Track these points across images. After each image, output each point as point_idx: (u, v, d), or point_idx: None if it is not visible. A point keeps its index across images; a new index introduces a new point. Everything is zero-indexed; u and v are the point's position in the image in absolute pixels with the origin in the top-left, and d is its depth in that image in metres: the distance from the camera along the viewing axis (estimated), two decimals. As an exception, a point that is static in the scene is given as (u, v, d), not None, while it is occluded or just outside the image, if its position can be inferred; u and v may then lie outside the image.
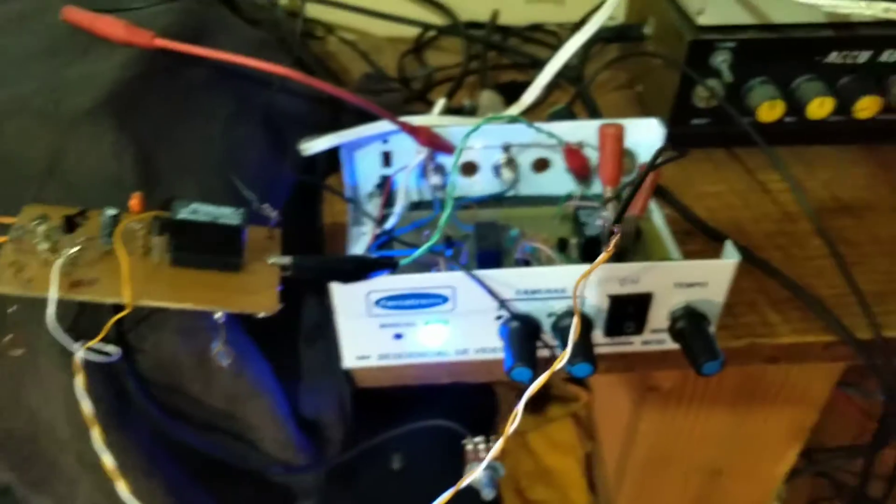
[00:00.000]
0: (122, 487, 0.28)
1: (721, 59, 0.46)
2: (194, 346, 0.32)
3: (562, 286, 0.35)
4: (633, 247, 0.39)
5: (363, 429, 0.43)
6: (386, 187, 0.44)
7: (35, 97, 0.34)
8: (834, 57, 0.46)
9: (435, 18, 0.67)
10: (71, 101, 0.34)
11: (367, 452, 0.43)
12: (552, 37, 0.65)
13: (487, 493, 0.41)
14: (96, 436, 0.28)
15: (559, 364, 0.27)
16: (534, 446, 0.68)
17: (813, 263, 0.43)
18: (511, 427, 0.27)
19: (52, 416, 0.33)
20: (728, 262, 0.34)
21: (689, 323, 0.35)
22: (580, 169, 0.42)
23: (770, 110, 0.47)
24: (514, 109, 0.45)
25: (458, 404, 0.66)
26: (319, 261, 0.33)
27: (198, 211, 0.29)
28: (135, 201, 0.31)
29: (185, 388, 0.34)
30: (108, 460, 0.28)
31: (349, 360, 0.38)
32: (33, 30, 0.40)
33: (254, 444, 0.37)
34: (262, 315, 0.30)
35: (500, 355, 0.38)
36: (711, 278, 0.35)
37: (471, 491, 0.37)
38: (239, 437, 0.37)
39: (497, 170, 0.45)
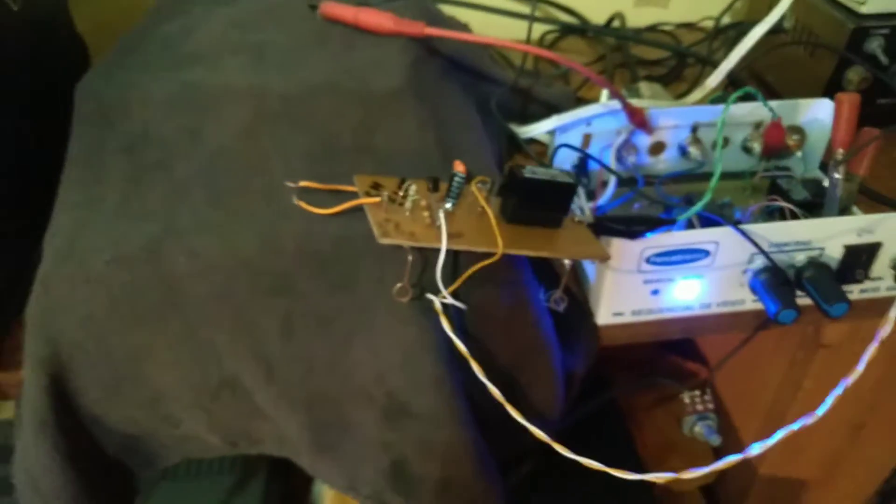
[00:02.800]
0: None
1: (876, 44, 0.51)
2: (511, 299, 0.35)
3: (809, 238, 0.39)
4: (851, 206, 0.43)
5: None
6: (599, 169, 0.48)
7: (340, 79, 0.37)
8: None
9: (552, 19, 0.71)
10: (377, 82, 0.37)
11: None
12: (667, 36, 0.70)
13: (714, 440, 0.45)
14: (476, 369, 0.31)
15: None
16: (659, 422, 0.71)
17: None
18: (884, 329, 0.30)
19: (377, 373, 0.35)
20: (953, 211, 0.39)
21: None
22: (777, 143, 0.47)
23: (918, 91, 0.52)
24: (697, 94, 0.50)
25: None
26: (615, 218, 0.36)
27: (536, 171, 0.33)
28: (462, 167, 0.34)
29: (487, 341, 0.36)
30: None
31: (604, 316, 0.41)
32: (290, 24, 0.43)
33: (522, 398, 0.40)
34: (599, 262, 0.33)
35: (738, 307, 0.42)
36: (935, 228, 0.40)
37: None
38: (511, 392, 0.40)
39: (683, 149, 0.49)
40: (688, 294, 0.41)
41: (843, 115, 0.40)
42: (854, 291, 0.42)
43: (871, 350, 0.32)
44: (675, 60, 0.64)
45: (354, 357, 0.35)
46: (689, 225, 0.41)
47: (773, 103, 0.48)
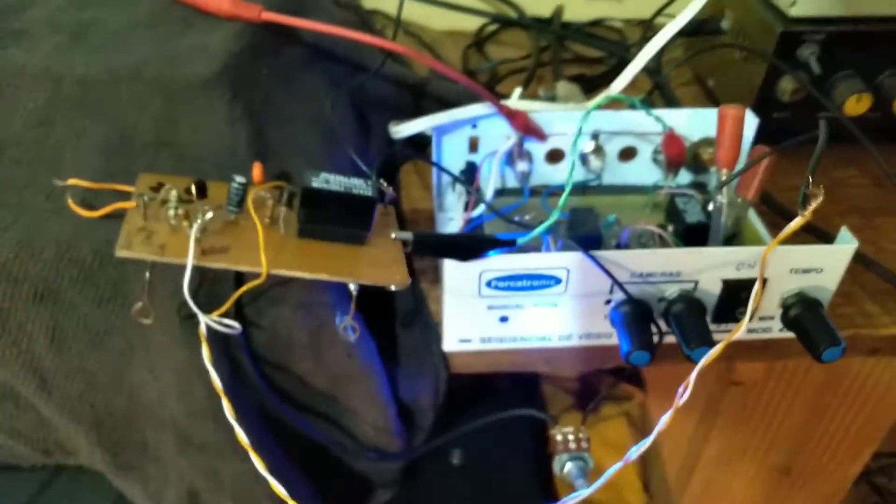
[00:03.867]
0: (256, 462, 0.27)
1: (809, 52, 0.46)
2: (312, 322, 0.31)
3: (678, 269, 0.34)
4: (740, 234, 0.38)
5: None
6: (476, 173, 0.43)
7: (147, 65, 0.33)
8: (923, 51, 0.46)
9: (493, 12, 0.67)
10: (185, 70, 0.33)
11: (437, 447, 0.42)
12: (614, 32, 0.65)
13: (580, 485, 0.40)
14: (228, 409, 0.27)
15: (736, 334, 0.26)
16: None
17: (902, 256, 0.42)
18: (680, 399, 0.26)
19: (158, 394, 0.32)
20: (847, 247, 0.34)
21: (805, 309, 0.35)
22: (676, 156, 0.42)
23: (856, 104, 0.46)
24: (601, 98, 0.45)
25: (509, 400, 0.65)
26: (439, 237, 0.32)
27: (330, 181, 0.29)
28: (257, 171, 0.30)
29: (293, 366, 0.33)
30: (241, 435, 0.27)
31: (450, 342, 0.37)
32: (131, 1, 0.39)
33: (350, 429, 0.36)
34: (394, 288, 0.29)
35: (605, 341, 0.37)
36: (828, 264, 0.34)
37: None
38: (335, 422, 0.36)
39: (584, 158, 0.44)
40: (542, 324, 0.36)
41: (726, 131, 0.35)
42: (740, 331, 0.37)
43: (667, 416, 0.27)
44: (617, 59, 0.59)
45: (137, 376, 0.32)
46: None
47: (683, 112, 0.43)
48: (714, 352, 0.28)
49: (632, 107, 0.40)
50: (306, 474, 0.37)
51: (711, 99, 0.56)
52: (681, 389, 0.27)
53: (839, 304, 0.40)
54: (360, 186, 0.29)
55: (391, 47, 0.36)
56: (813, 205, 0.25)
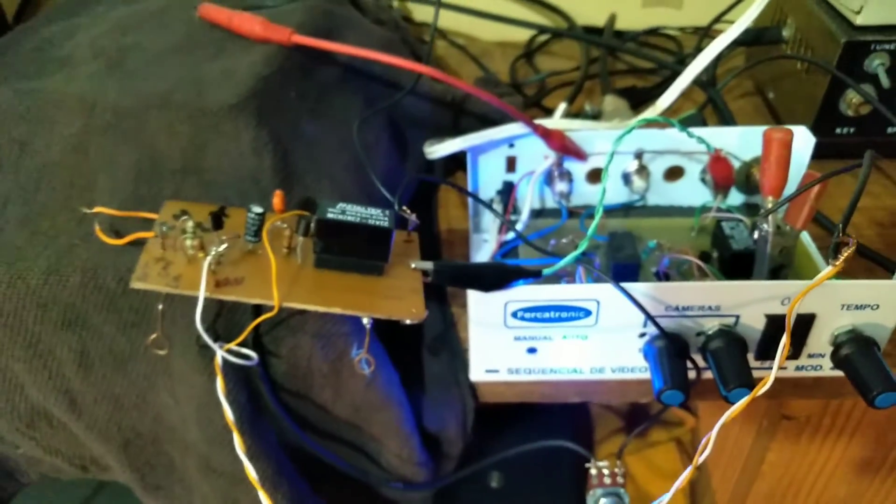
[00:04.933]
0: (262, 496, 0.27)
1: (878, 63, 0.42)
2: (331, 352, 0.31)
3: (717, 303, 0.32)
4: (789, 264, 0.36)
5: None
6: (511, 194, 0.42)
7: (177, 91, 0.34)
8: None
9: (546, 22, 0.65)
10: (212, 96, 0.33)
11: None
12: (671, 41, 0.62)
13: (614, 524, 0.39)
14: (237, 441, 0.27)
15: (763, 388, 0.24)
16: (634, 472, 0.64)
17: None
18: (700, 457, 0.24)
19: (181, 419, 0.32)
20: (906, 283, 0.31)
21: (857, 348, 0.32)
22: (724, 178, 0.40)
23: (930, 120, 0.43)
24: (649, 114, 0.43)
25: (553, 422, 0.64)
26: (461, 267, 0.31)
27: (346, 211, 0.28)
28: (277, 200, 0.30)
29: (314, 395, 0.33)
30: (250, 469, 0.26)
31: (477, 372, 0.36)
32: (170, 26, 0.40)
33: (375, 457, 0.36)
34: (409, 322, 0.28)
35: (639, 375, 0.36)
36: (884, 300, 0.32)
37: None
38: (360, 450, 0.36)
39: (627, 177, 0.43)
40: (570, 356, 0.35)
41: (772, 157, 0.33)
42: (789, 367, 0.35)
43: (687, 472, 0.26)
44: (670, 70, 0.57)
45: (161, 400, 0.32)
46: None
47: (734, 130, 0.41)
48: (742, 402, 0.26)
49: (673, 127, 0.38)
50: (332, 501, 0.36)
51: (771, 112, 0.53)
52: (702, 443, 0.25)
53: (903, 341, 0.37)
54: (376, 216, 0.28)
55: (418, 69, 0.35)
56: (845, 254, 0.22)
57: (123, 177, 0.33)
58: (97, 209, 0.30)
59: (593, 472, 0.39)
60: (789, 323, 0.24)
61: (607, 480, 0.39)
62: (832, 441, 0.46)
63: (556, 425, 0.59)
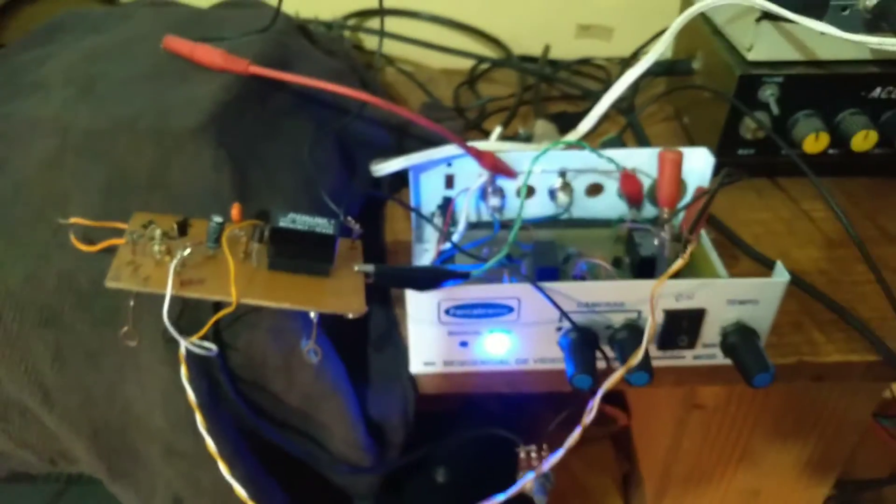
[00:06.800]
0: (223, 469, 0.30)
1: (769, 93, 0.48)
2: (283, 345, 0.35)
3: (621, 300, 0.37)
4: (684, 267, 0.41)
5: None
6: (449, 208, 0.47)
7: (144, 116, 0.38)
8: (878, 92, 0.48)
9: (488, 52, 0.71)
10: (176, 120, 0.37)
11: (412, 465, 0.45)
12: (601, 70, 0.68)
13: (540, 500, 0.43)
14: (199, 420, 0.31)
15: (634, 361, 0.29)
16: (573, 466, 0.69)
17: (857, 289, 0.44)
18: (588, 417, 0.29)
19: (147, 408, 0.36)
20: (779, 280, 0.37)
21: (740, 337, 0.37)
22: (634, 193, 0.45)
23: (815, 142, 0.49)
24: (571, 137, 0.48)
25: (495, 421, 0.68)
26: (398, 269, 0.35)
27: (296, 220, 0.32)
28: (235, 211, 0.34)
29: (268, 385, 0.36)
30: (210, 445, 0.30)
31: (416, 365, 0.40)
32: (136, 56, 0.44)
33: (324, 443, 0.40)
34: (351, 316, 0.33)
35: (559, 365, 0.40)
36: (763, 296, 0.37)
37: (522, 499, 0.39)
38: (311, 436, 0.40)
39: (553, 193, 0.48)
40: (499, 348, 0.39)
41: (666, 174, 0.38)
42: (687, 357, 0.40)
43: (576, 433, 0.30)
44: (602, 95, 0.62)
45: (128, 391, 0.36)
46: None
47: (645, 151, 0.46)
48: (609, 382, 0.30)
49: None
50: (287, 485, 0.40)
51: (686, 135, 0.59)
52: (589, 405, 0.30)
53: (787, 333, 0.42)
54: (322, 225, 0.33)
55: (363, 98, 0.39)
56: (689, 249, 0.28)
57: (95, 192, 0.37)
58: (72, 220, 0.34)
59: (522, 455, 0.44)
60: (653, 308, 0.29)
61: (535, 463, 0.43)
62: (738, 429, 0.51)
63: (498, 422, 0.64)
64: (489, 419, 0.64)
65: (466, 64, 0.69)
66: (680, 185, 0.39)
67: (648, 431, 0.64)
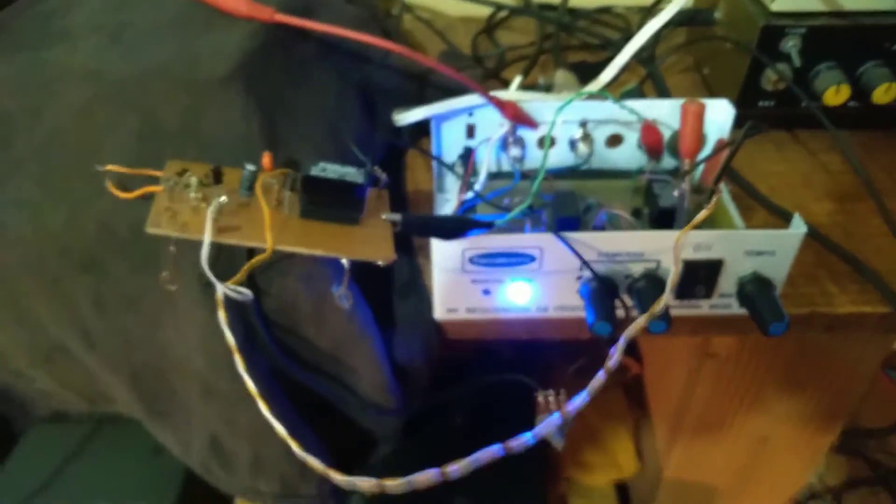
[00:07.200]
0: (262, 407, 0.32)
1: (791, 44, 0.48)
2: (314, 291, 0.36)
3: (640, 250, 0.38)
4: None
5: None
6: (470, 158, 0.47)
7: (173, 64, 0.38)
8: (901, 44, 0.48)
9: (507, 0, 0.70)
10: (206, 68, 0.38)
11: (432, 409, 0.46)
12: (620, 19, 0.67)
13: (558, 443, 0.45)
14: (238, 361, 0.32)
15: (656, 308, 0.30)
16: (587, 413, 0.71)
17: (872, 241, 0.45)
18: (611, 362, 0.30)
19: (185, 351, 0.37)
20: (796, 232, 0.37)
21: (756, 287, 0.38)
22: (654, 144, 0.45)
23: (836, 95, 0.49)
24: (592, 88, 0.48)
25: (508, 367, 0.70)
26: (424, 218, 0.36)
27: (326, 169, 0.33)
28: (266, 160, 0.35)
29: (300, 330, 0.38)
30: (250, 385, 0.32)
31: (440, 311, 0.41)
32: (161, 4, 0.44)
33: (352, 386, 0.41)
34: (381, 263, 0.34)
35: (578, 313, 0.41)
36: (779, 248, 0.38)
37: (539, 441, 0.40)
38: (340, 380, 0.41)
39: (573, 144, 0.48)
40: (520, 296, 0.40)
41: (688, 125, 0.39)
42: (703, 306, 0.41)
43: (600, 375, 0.31)
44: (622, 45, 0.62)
45: (166, 335, 0.37)
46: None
47: (665, 103, 0.47)
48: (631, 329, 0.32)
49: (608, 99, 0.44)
50: (315, 426, 0.42)
51: (706, 86, 0.59)
52: (611, 351, 0.31)
53: (802, 284, 0.43)
54: (352, 174, 0.33)
55: (388, 46, 0.40)
56: (714, 200, 0.29)
57: (128, 139, 0.37)
58: (108, 167, 0.35)
59: (541, 399, 0.45)
60: (677, 258, 0.30)
61: (553, 406, 0.45)
62: (749, 377, 0.52)
63: (516, 370, 0.65)
64: (507, 365, 0.66)
65: (485, 11, 0.69)
66: (701, 136, 0.39)
67: (661, 380, 0.65)
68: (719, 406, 0.55)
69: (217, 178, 0.34)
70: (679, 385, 0.57)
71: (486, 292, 0.40)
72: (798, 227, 0.38)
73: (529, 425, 0.46)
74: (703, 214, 0.29)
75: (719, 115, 0.45)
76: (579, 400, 0.32)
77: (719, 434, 0.58)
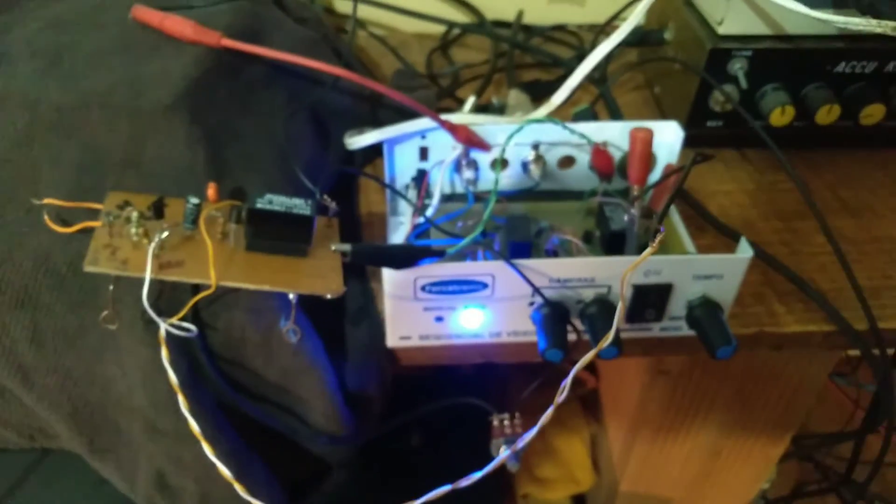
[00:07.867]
0: (206, 448, 0.31)
1: (738, 66, 0.49)
2: (262, 324, 0.35)
3: (592, 276, 0.38)
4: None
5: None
6: (423, 180, 0.47)
7: (116, 91, 0.37)
8: (842, 67, 0.49)
9: (461, 16, 0.70)
10: (149, 95, 0.37)
11: (389, 431, 0.46)
12: (573, 37, 0.68)
13: (513, 466, 0.45)
14: (181, 401, 0.31)
15: (604, 343, 0.30)
16: (543, 427, 0.72)
17: (816, 259, 0.46)
18: (560, 397, 0.30)
19: (127, 387, 0.36)
20: (742, 256, 0.38)
21: (704, 312, 0.39)
22: (605, 167, 0.46)
23: (781, 115, 0.50)
24: (544, 109, 0.49)
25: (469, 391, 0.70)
26: (375, 248, 0.36)
27: (273, 201, 0.32)
28: (211, 191, 0.34)
29: (247, 363, 0.37)
30: (193, 426, 0.31)
31: (392, 339, 0.41)
32: (104, 26, 0.43)
33: (303, 416, 0.41)
34: (329, 296, 0.33)
35: (531, 338, 0.41)
36: (727, 271, 0.38)
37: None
38: (290, 410, 0.41)
39: (526, 166, 0.48)
40: (473, 322, 0.40)
41: (636, 152, 0.39)
42: (654, 329, 0.41)
43: (549, 411, 0.32)
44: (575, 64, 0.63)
45: (108, 371, 0.36)
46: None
47: (617, 125, 0.47)
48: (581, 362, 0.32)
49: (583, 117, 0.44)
50: (268, 458, 0.41)
51: (657, 105, 0.59)
52: (563, 384, 0.31)
53: (749, 304, 0.44)
54: (300, 206, 0.33)
55: (336, 72, 0.39)
56: (659, 238, 0.29)
57: (68, 169, 0.36)
58: (46, 200, 0.33)
59: (495, 423, 0.45)
60: (623, 289, 0.30)
61: (507, 430, 0.45)
62: (700, 393, 0.53)
63: (471, 389, 0.65)
64: (463, 387, 0.65)
65: (439, 29, 0.69)
66: (650, 162, 0.40)
67: (616, 394, 0.66)
68: (672, 420, 0.56)
69: (159, 210, 0.33)
70: (633, 399, 0.58)
71: (439, 319, 0.40)
72: (744, 251, 0.38)
73: (485, 447, 0.46)
74: (647, 253, 0.30)
75: (669, 137, 0.46)
76: (529, 435, 0.32)
77: (673, 446, 0.59)
